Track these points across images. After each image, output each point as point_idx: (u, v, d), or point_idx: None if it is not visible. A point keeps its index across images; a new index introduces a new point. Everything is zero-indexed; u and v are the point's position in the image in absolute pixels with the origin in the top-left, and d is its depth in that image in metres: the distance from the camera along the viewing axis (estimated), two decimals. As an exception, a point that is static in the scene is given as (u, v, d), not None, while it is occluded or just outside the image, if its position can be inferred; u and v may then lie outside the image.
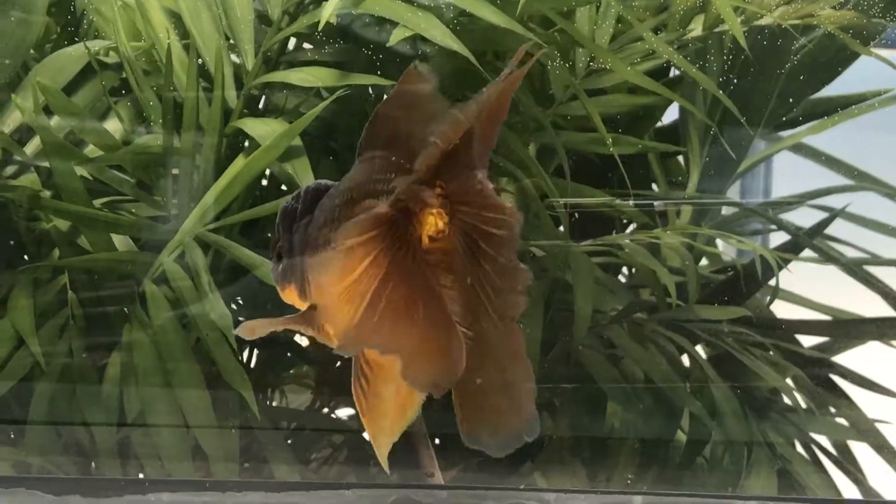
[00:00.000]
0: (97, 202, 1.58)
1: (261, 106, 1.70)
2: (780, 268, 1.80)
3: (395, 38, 1.52)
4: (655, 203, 1.95)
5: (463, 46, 1.50)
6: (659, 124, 1.95)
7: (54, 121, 1.61)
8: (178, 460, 1.50)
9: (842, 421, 1.95)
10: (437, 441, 1.79)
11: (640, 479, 1.75)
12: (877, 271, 2.03)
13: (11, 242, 1.61)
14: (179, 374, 1.51)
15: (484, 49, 1.58)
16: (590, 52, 1.76)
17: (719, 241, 2.00)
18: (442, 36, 1.51)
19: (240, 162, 1.55)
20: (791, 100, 1.98)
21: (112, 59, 1.71)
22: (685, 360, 1.84)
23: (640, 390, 1.73)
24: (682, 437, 1.81)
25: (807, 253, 2.00)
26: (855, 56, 1.89)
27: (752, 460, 1.74)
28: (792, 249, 1.99)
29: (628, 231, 1.85)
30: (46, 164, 1.60)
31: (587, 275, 1.68)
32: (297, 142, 1.53)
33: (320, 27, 1.50)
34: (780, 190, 2.22)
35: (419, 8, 1.52)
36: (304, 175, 1.52)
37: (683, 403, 1.73)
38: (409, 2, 1.54)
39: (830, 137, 2.07)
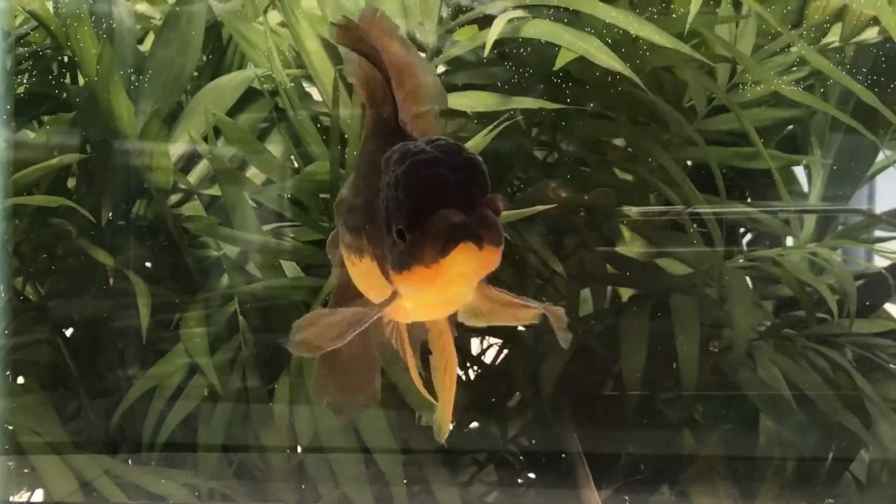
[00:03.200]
0: (266, 227, 1.59)
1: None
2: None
3: (562, 60, 1.53)
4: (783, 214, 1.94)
5: (626, 67, 1.51)
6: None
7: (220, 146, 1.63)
8: (355, 483, 1.52)
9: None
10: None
11: (794, 496, 1.74)
12: None
13: (183, 270, 1.62)
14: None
15: (643, 66, 1.59)
16: (735, 66, 1.76)
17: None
18: (606, 57, 1.51)
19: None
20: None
21: (259, 84, 1.73)
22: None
23: (794, 406, 1.72)
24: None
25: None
26: None
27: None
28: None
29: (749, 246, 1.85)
30: (209, 191, 1.62)
31: (744, 291, 1.68)
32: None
33: (486, 52, 1.51)
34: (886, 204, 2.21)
35: (580, 31, 1.53)
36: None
37: (838, 418, 1.72)
38: (571, 25, 1.55)
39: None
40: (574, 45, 1.52)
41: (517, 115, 1.64)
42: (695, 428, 1.79)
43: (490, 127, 1.53)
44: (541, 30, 1.55)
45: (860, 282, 1.92)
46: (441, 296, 0.87)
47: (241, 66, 1.78)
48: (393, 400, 1.61)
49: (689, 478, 1.77)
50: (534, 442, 1.84)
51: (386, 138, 0.91)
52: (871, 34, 1.86)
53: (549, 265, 1.63)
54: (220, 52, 1.80)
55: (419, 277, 0.84)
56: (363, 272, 0.91)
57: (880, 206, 2.24)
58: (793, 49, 1.80)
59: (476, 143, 1.52)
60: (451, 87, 1.68)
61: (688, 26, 1.51)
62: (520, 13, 1.56)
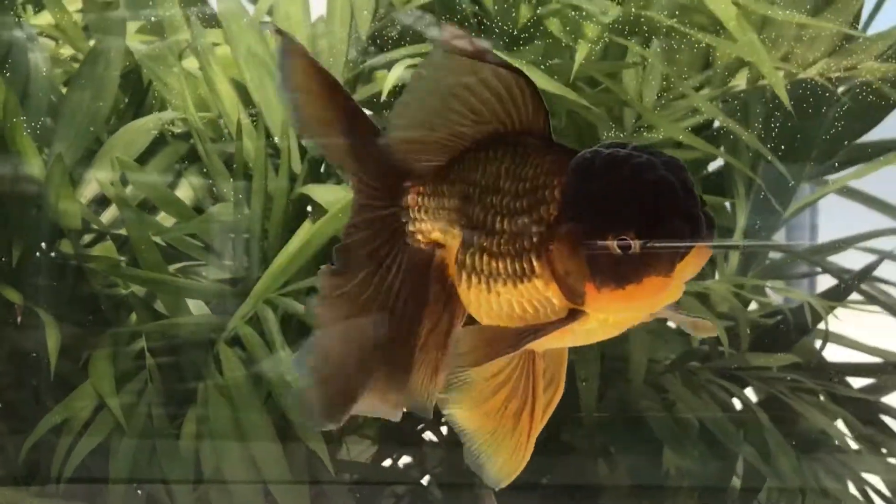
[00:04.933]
0: (172, 267, 1.65)
1: (322, 170, 1.77)
2: (826, 314, 1.84)
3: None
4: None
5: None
6: (704, 172, 2.00)
7: (129, 189, 1.69)
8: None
9: (893, 461, 1.99)
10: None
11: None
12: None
13: (91, 308, 1.68)
14: (253, 430, 1.57)
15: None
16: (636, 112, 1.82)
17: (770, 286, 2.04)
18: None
19: (307, 227, 1.62)
20: (834, 146, 2.03)
21: (178, 128, 1.79)
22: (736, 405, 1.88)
23: (695, 437, 1.77)
24: (736, 483, 1.85)
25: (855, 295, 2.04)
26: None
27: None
28: (839, 293, 2.03)
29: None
30: (121, 231, 1.67)
31: (641, 324, 1.73)
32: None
33: (383, 97, 1.57)
34: (827, 233, 2.26)
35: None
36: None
37: (737, 449, 1.77)
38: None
39: (880, 181, 2.11)
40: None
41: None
42: (605, 458, 1.83)
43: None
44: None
45: (778, 316, 1.97)
46: (650, 308, 0.83)
47: (161, 109, 1.84)
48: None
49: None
50: (450, 475, 1.89)
51: (536, 151, 0.84)
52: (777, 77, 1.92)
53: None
54: (141, 94, 1.85)
55: (647, 289, 0.79)
56: (507, 302, 0.84)
57: (823, 239, 2.30)
58: (704, 91, 1.86)
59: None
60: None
61: (573, 74, 1.57)
62: (418, 60, 1.62)
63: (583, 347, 1.72)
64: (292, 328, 1.62)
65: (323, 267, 0.90)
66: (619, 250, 0.79)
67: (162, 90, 1.78)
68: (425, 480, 1.89)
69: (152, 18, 1.83)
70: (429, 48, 1.65)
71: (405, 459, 1.92)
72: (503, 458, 0.88)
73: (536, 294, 0.83)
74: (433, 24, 1.75)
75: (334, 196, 1.62)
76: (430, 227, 0.88)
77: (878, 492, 1.94)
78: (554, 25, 1.58)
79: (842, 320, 2.05)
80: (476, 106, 0.84)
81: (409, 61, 1.63)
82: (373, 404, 0.89)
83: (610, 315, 0.83)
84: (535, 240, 0.82)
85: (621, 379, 1.76)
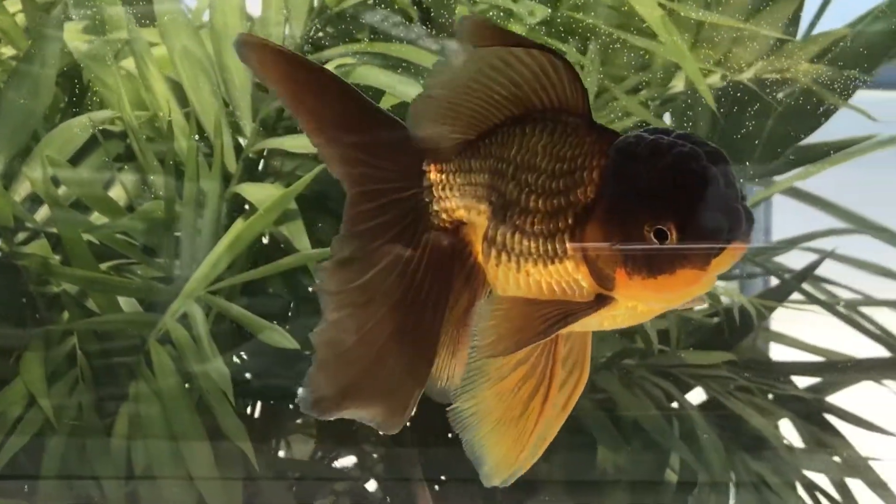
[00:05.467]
0: (104, 265, 1.66)
1: (260, 169, 1.78)
2: (762, 315, 1.86)
3: (384, 105, 1.60)
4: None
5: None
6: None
7: (62, 189, 1.70)
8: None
9: (836, 459, 2.00)
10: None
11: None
12: (869, 312, 2.08)
13: (23, 306, 1.69)
14: (183, 429, 1.58)
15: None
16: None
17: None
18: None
19: (239, 225, 1.63)
20: (778, 146, 2.04)
21: (118, 127, 1.80)
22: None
23: (629, 435, 1.79)
24: (672, 477, 1.87)
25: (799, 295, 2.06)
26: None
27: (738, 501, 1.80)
28: (783, 293, 2.05)
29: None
30: (55, 230, 1.68)
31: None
32: (293, 205, 1.61)
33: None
34: (781, 235, 2.28)
35: (406, 77, 1.60)
36: (298, 237, 1.60)
37: (671, 447, 1.79)
38: (397, 70, 1.62)
39: (826, 181, 2.13)
40: (396, 90, 1.59)
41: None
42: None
43: (320, 167, 1.61)
44: (368, 76, 1.62)
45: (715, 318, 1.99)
46: (680, 300, 0.81)
47: (102, 108, 1.84)
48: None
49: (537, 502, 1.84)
50: (389, 471, 1.90)
51: (575, 131, 0.83)
52: (714, 79, 1.94)
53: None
54: (81, 94, 1.86)
55: (680, 281, 0.78)
56: (535, 282, 0.83)
57: (776, 239, 2.31)
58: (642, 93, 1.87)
59: (303, 182, 1.60)
60: (295, 129, 1.76)
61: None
62: (349, 60, 1.64)
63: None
64: (223, 326, 1.63)
65: (324, 263, 0.88)
66: (654, 239, 0.78)
67: (101, 89, 1.79)
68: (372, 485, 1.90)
69: (96, 20, 1.84)
70: (365, 47, 1.69)
71: (346, 456, 1.93)
72: (505, 449, 0.87)
73: (566, 276, 0.81)
74: (399, 24, 1.77)
75: (266, 194, 1.63)
76: (456, 204, 0.87)
77: (822, 491, 1.96)
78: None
79: (796, 321, 2.07)
80: (509, 82, 0.82)
81: (340, 60, 1.64)
82: (374, 409, 0.87)
83: (639, 303, 0.81)
84: (569, 221, 0.81)
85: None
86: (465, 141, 0.86)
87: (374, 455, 1.87)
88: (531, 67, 0.81)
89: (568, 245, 0.81)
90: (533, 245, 0.83)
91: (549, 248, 0.82)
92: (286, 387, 1.91)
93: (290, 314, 1.84)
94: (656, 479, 1.80)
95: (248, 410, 1.88)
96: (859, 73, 1.93)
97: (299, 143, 1.67)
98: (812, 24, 2.04)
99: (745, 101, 1.93)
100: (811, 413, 2.02)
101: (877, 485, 1.96)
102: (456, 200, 0.87)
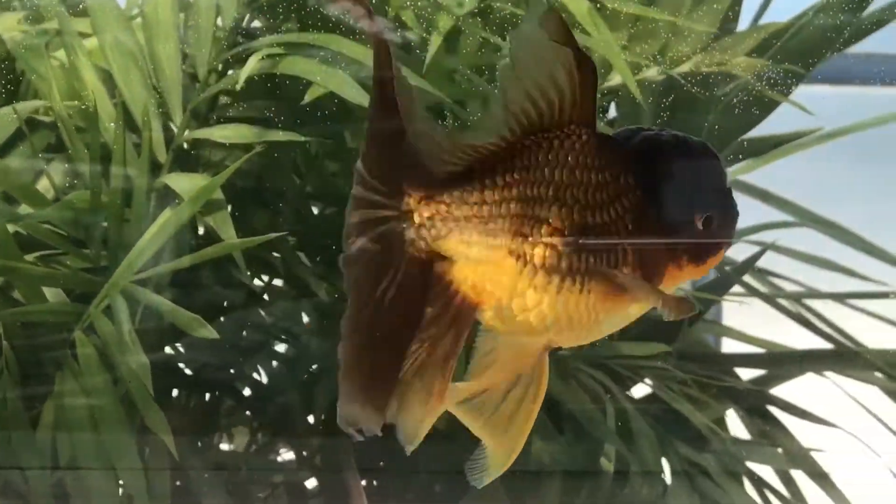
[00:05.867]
0: (31, 256, 1.65)
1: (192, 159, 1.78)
2: (701, 310, 1.87)
3: (311, 95, 1.60)
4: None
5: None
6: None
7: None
8: (107, 503, 1.57)
9: (779, 451, 2.01)
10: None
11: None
12: (813, 304, 2.09)
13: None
14: (107, 420, 1.58)
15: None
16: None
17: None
18: (354, 93, 1.58)
19: (166, 215, 1.63)
20: (722, 140, 2.05)
21: (51, 117, 1.79)
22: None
23: (563, 426, 1.79)
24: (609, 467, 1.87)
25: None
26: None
27: (669, 491, 1.81)
28: (725, 285, 2.06)
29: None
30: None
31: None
32: (218, 195, 1.61)
33: (238, 87, 1.58)
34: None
35: (332, 67, 1.60)
36: (224, 227, 1.60)
37: (604, 438, 1.79)
38: (326, 62, 1.62)
39: (771, 174, 2.14)
40: (326, 81, 1.59)
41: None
42: (472, 446, 1.85)
43: (243, 158, 1.60)
44: (295, 66, 1.62)
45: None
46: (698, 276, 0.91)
47: (36, 98, 1.84)
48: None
49: (476, 494, 1.84)
50: (325, 463, 1.90)
51: (595, 140, 0.85)
52: (653, 73, 1.94)
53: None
54: (15, 84, 1.85)
55: (717, 259, 0.86)
56: (595, 298, 0.84)
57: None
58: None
59: (227, 173, 1.60)
60: (226, 119, 1.76)
61: (425, 67, 1.58)
62: (278, 50, 1.63)
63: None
64: (150, 316, 1.63)
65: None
66: (701, 227, 0.83)
67: (35, 80, 1.78)
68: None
69: (31, 10, 1.83)
70: (292, 38, 1.68)
71: (282, 449, 1.93)
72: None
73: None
74: (364, 17, 1.76)
75: (192, 184, 1.63)
76: (441, 236, 0.84)
77: (766, 484, 1.97)
78: (408, 16, 1.60)
79: (746, 314, 2.08)
80: (547, 101, 0.82)
81: (267, 50, 1.64)
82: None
83: (669, 289, 0.85)
84: (629, 227, 0.83)
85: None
86: (461, 173, 0.84)
87: (311, 447, 1.87)
88: (572, 79, 0.81)
89: (629, 251, 0.83)
90: (598, 260, 0.83)
91: (612, 258, 0.83)
92: (225, 379, 1.92)
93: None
94: (591, 469, 1.81)
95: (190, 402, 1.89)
96: (799, 68, 1.94)
97: (228, 133, 1.67)
98: (757, 18, 2.05)
99: (689, 95, 1.93)
100: (755, 405, 2.03)
101: (819, 476, 1.97)
102: (441, 233, 0.84)
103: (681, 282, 0.85)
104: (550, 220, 0.83)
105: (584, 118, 0.83)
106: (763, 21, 2.03)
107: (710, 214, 0.83)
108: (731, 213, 0.85)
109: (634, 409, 1.80)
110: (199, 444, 1.87)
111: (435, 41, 1.57)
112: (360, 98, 1.58)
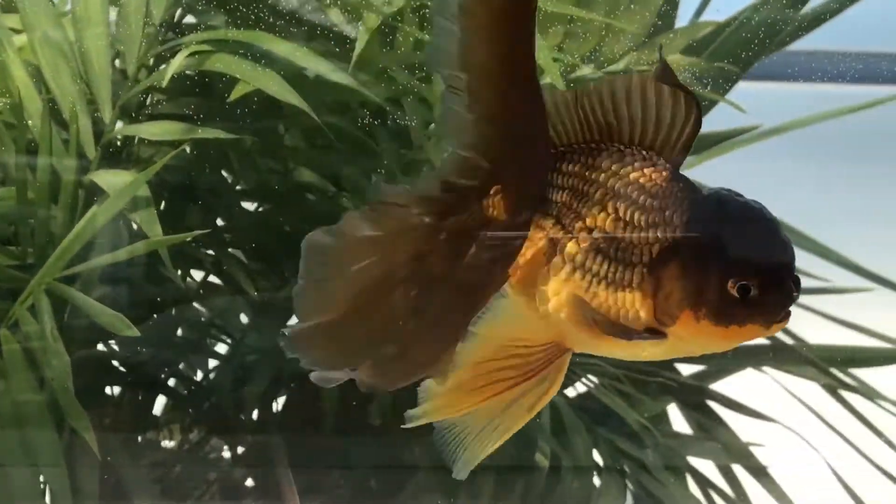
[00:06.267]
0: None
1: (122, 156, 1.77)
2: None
3: (237, 93, 1.60)
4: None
5: (301, 100, 1.58)
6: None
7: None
8: (31, 500, 1.57)
9: (717, 445, 2.03)
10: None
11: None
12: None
13: None
14: (31, 418, 1.58)
15: (322, 100, 1.66)
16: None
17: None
18: (281, 90, 1.58)
19: (93, 211, 1.62)
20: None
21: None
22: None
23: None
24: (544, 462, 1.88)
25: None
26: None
27: (602, 486, 1.82)
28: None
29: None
30: None
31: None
32: (144, 192, 1.60)
33: (164, 84, 1.58)
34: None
35: (259, 65, 1.60)
36: (149, 224, 1.59)
37: (536, 434, 1.80)
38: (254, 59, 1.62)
39: (708, 172, 2.15)
40: (252, 78, 1.59)
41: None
42: (411, 440, 1.86)
43: (169, 155, 1.60)
44: (223, 63, 1.61)
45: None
46: (727, 347, 0.86)
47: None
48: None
49: (411, 490, 1.84)
50: (259, 460, 1.90)
51: (667, 171, 0.87)
52: (587, 71, 1.94)
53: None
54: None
55: (745, 334, 0.84)
56: (598, 304, 0.86)
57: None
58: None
59: (151, 171, 1.59)
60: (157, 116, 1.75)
61: (351, 65, 1.58)
62: (205, 47, 1.63)
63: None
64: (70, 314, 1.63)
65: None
66: (736, 293, 0.82)
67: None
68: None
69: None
70: (220, 35, 1.68)
71: (218, 445, 1.93)
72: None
73: (630, 305, 0.85)
74: (318, 10, 1.76)
75: (119, 180, 1.62)
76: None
77: (706, 479, 1.98)
78: (334, 14, 1.60)
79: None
80: (639, 114, 0.86)
81: (196, 47, 1.64)
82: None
83: (688, 344, 0.85)
84: (652, 255, 0.84)
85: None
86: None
87: (246, 444, 1.87)
88: (673, 107, 0.86)
89: (645, 276, 0.85)
90: (611, 270, 0.85)
91: (626, 276, 0.85)
92: (160, 376, 1.91)
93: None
94: (525, 464, 1.82)
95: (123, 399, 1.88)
96: (733, 66, 1.95)
97: (157, 129, 1.66)
98: (697, 16, 2.06)
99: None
100: (695, 400, 2.04)
101: (757, 470, 1.99)
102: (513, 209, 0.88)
103: (703, 339, 0.84)
104: (587, 220, 0.87)
105: (672, 148, 0.87)
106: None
107: (748, 284, 0.83)
108: (779, 294, 0.83)
109: (567, 405, 1.81)
110: (133, 441, 1.86)
111: (361, 38, 1.57)
112: (288, 95, 1.58)
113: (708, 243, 0.84)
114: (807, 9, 1.98)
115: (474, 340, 0.86)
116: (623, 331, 0.84)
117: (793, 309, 0.84)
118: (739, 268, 0.83)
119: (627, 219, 0.86)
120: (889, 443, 1.94)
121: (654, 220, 0.85)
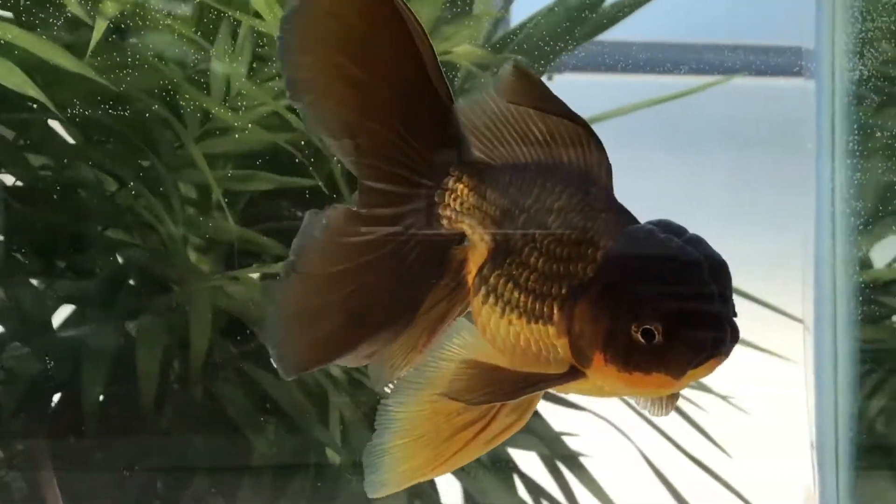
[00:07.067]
0: None
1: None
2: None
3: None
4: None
5: (40, 92, 1.55)
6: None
7: None
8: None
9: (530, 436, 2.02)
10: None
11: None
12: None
13: None
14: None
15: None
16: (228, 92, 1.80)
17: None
18: (20, 82, 1.55)
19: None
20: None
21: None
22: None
23: (274, 420, 1.79)
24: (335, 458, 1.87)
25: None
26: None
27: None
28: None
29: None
30: None
31: (206, 308, 1.74)
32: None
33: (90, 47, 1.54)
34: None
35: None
36: None
37: (313, 431, 1.79)
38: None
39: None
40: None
41: None
42: (196, 440, 1.84)
43: None
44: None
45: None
46: (647, 396, 0.84)
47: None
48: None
49: (192, 493, 1.83)
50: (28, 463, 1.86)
51: (593, 204, 0.83)
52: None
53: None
54: None
55: (652, 382, 0.79)
56: (515, 332, 0.83)
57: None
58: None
59: None
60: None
61: (89, 52, 1.55)
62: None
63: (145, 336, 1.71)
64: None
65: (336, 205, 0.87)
66: (640, 338, 0.78)
67: None
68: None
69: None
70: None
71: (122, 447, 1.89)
72: (412, 466, 0.85)
73: (546, 338, 0.81)
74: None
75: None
76: (461, 219, 0.86)
77: (518, 469, 1.98)
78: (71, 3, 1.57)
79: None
80: (546, 130, 0.82)
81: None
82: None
83: (608, 387, 0.82)
84: (563, 290, 0.81)
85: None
86: (490, 165, 0.86)
87: (11, 448, 1.84)
88: (563, 137, 0.82)
89: (556, 311, 0.81)
90: (522, 299, 0.83)
91: (537, 307, 0.82)
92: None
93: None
94: (301, 462, 1.81)
95: None
96: (526, 59, 1.94)
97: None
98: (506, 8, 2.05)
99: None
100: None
101: (570, 459, 1.99)
102: (461, 216, 0.87)
103: (614, 384, 0.80)
104: (497, 238, 0.85)
105: (595, 179, 0.83)
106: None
107: (652, 329, 0.78)
108: (685, 343, 0.78)
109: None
110: None
111: (99, 27, 1.55)
112: (28, 87, 1.55)
113: (617, 282, 0.80)
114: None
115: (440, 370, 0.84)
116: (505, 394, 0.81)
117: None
118: (646, 311, 0.78)
119: (544, 249, 0.83)
120: (701, 430, 1.94)
121: (570, 253, 0.82)
